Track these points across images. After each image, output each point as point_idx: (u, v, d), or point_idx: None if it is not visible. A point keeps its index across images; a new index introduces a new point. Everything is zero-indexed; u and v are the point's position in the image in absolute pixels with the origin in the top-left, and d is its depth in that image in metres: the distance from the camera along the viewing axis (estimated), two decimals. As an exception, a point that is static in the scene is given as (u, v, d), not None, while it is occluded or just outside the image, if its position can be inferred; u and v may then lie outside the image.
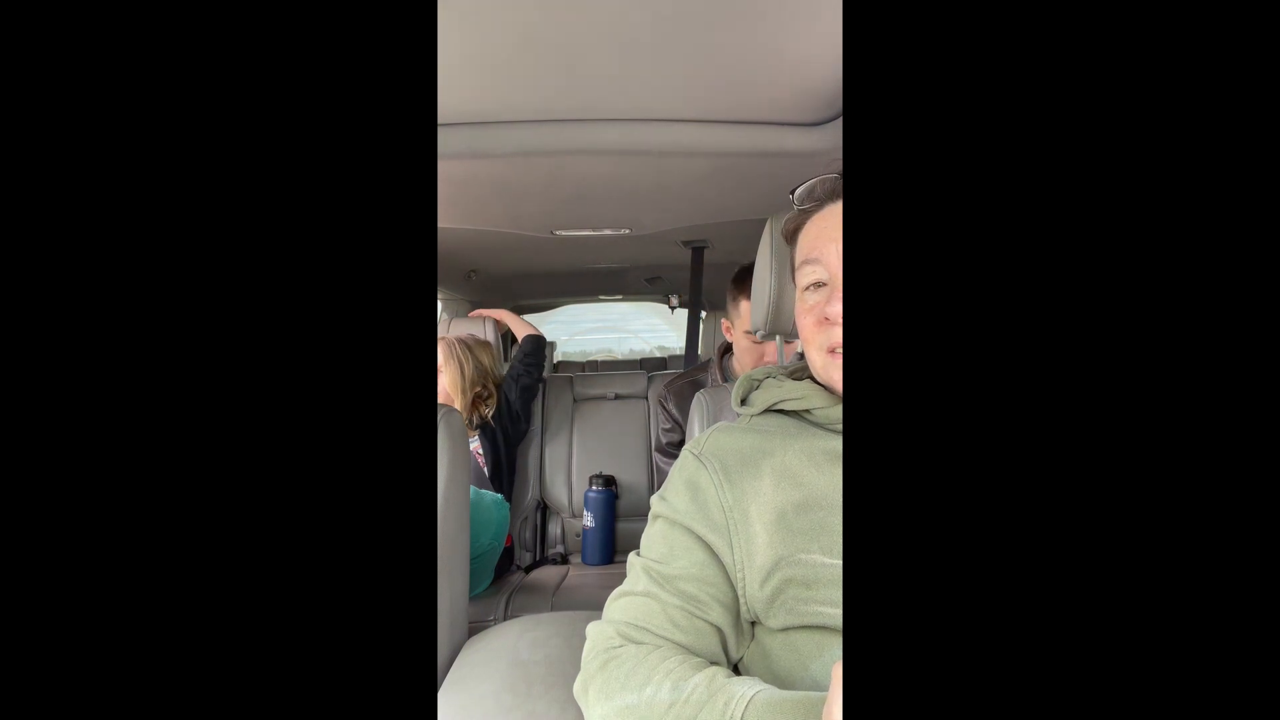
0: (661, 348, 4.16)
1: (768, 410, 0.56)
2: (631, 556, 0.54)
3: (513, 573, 1.46)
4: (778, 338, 0.76)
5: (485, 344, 1.55)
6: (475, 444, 1.48)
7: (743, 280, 1.20)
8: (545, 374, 1.73)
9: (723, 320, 1.28)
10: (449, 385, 1.46)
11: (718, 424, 0.58)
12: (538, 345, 1.62)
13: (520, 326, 1.66)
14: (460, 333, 1.58)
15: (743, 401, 0.59)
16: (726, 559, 0.49)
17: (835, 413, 0.52)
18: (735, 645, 0.50)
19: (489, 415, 1.50)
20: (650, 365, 3.36)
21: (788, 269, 0.62)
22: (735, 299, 1.22)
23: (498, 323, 1.67)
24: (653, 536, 0.54)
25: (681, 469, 0.55)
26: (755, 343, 1.17)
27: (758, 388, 0.59)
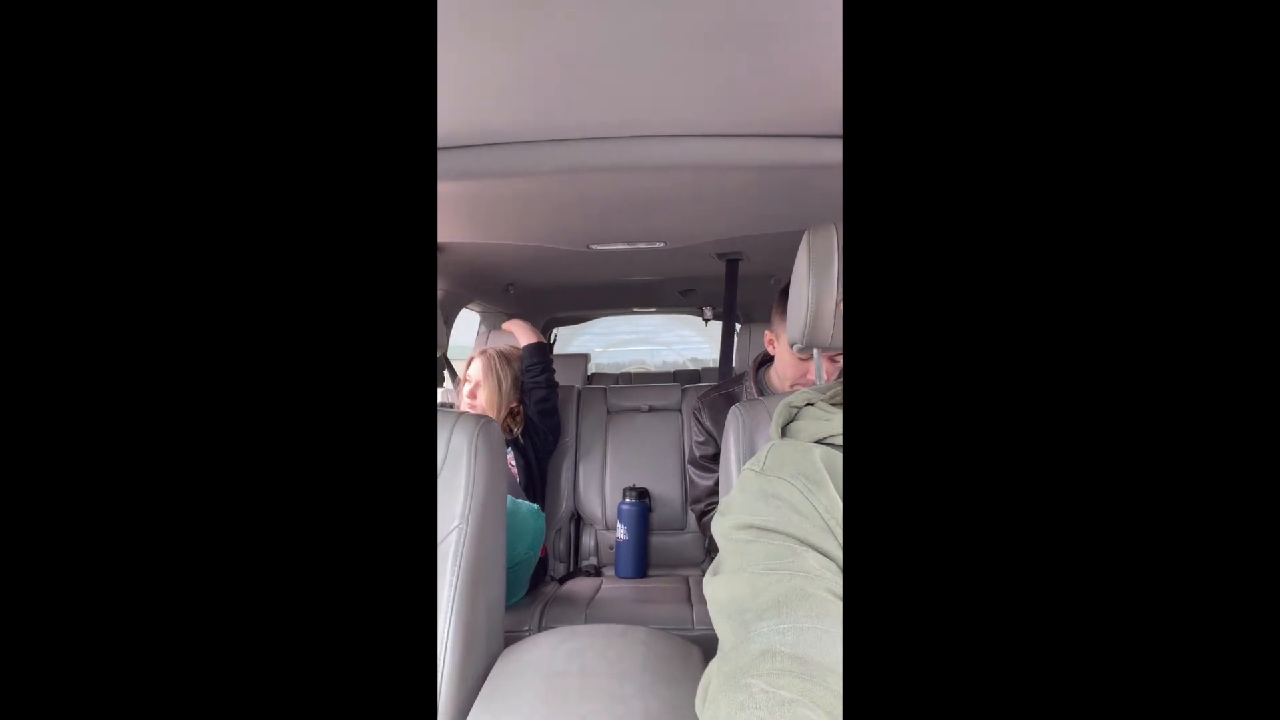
0: (694, 359, 4.15)
1: (817, 443, 0.50)
2: (726, 576, 0.43)
3: (547, 583, 1.46)
4: (815, 351, 0.75)
5: (518, 354, 1.53)
6: (509, 457, 1.48)
7: None
8: (579, 384, 1.71)
9: (766, 332, 1.27)
10: (486, 401, 1.45)
11: (780, 441, 0.52)
12: (535, 353, 1.51)
13: (524, 335, 1.55)
14: (498, 345, 1.59)
15: (783, 432, 0.54)
16: (835, 557, 0.42)
17: None
18: None
19: (519, 432, 1.49)
20: (683, 378, 3.35)
21: (827, 281, 0.61)
22: (783, 313, 1.21)
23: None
24: (748, 552, 0.43)
25: (745, 489, 0.48)
26: (801, 359, 1.15)
27: (796, 417, 0.55)
